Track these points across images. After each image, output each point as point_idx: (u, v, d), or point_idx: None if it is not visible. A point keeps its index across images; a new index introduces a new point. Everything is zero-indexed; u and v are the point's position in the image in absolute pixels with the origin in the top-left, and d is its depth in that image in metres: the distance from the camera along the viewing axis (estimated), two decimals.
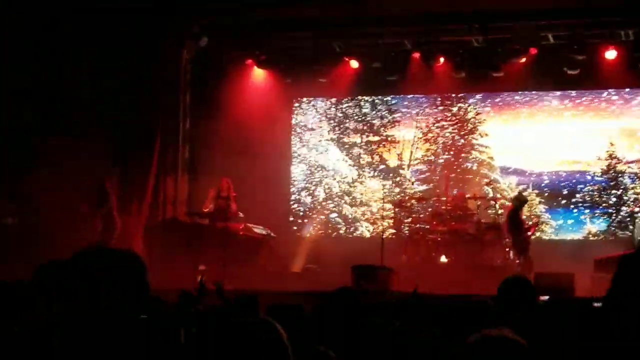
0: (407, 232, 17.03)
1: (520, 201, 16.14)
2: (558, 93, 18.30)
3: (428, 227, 16.60)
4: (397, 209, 17.28)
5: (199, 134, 17.77)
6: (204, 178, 16.92)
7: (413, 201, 17.42)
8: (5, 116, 15.64)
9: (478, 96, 18.89)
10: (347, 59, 17.78)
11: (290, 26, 17.31)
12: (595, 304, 7.14)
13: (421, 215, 17.41)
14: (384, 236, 16.47)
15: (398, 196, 18.32)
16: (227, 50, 18.24)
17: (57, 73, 15.92)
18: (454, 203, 16.64)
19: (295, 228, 19.37)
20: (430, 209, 17.39)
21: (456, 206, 16.51)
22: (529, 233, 15.83)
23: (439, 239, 16.25)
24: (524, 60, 16.98)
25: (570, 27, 16.51)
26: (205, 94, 17.93)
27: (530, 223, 16.45)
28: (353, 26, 17.15)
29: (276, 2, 16.26)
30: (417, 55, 17.43)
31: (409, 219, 17.23)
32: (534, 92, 18.39)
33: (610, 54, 16.48)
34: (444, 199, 17.19)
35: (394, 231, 17.84)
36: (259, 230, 16.28)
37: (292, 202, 19.48)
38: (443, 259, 15.88)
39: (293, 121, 19.76)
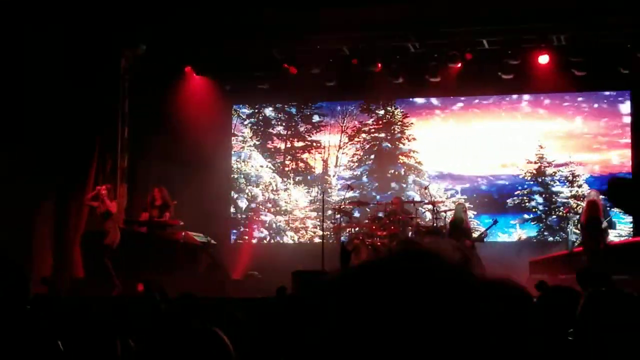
0: (346, 237, 17.11)
1: (458, 213, 16.25)
2: (492, 97, 18.56)
3: (367, 231, 16.73)
4: (336, 214, 17.38)
5: (138, 142, 17.69)
6: (143, 187, 16.87)
7: (351, 206, 17.55)
8: None
9: (408, 100, 19.06)
10: (286, 66, 17.85)
11: (229, 33, 17.32)
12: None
13: (366, 220, 17.55)
14: (323, 242, 16.56)
15: (322, 202, 18.31)
16: (166, 58, 18.17)
17: None
18: (392, 207, 16.78)
19: (235, 235, 19.41)
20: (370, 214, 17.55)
21: (395, 211, 16.65)
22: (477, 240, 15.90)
23: (379, 243, 16.37)
24: (459, 65, 17.22)
25: (504, 33, 16.78)
26: (144, 102, 17.84)
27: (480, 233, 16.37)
28: (291, 33, 17.21)
29: (214, 10, 16.26)
30: (355, 61, 17.60)
31: (348, 224, 17.34)
32: (469, 97, 18.63)
33: (543, 59, 16.77)
34: (383, 203, 17.34)
35: (319, 240, 17.97)
36: (199, 237, 16.28)
37: (232, 210, 19.51)
38: None
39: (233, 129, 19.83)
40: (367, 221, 17.17)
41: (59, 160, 16.60)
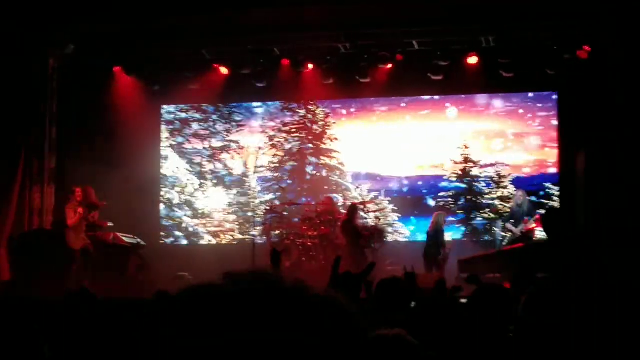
0: (277, 237, 17.10)
1: (351, 211, 16.35)
2: (420, 98, 18.62)
3: (298, 232, 16.72)
4: (266, 215, 17.38)
5: (67, 143, 17.47)
6: (72, 188, 16.66)
7: (285, 206, 17.56)
8: None
9: (332, 101, 18.95)
10: (216, 66, 17.78)
11: (159, 34, 17.19)
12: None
13: (295, 220, 17.54)
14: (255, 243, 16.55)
15: (243, 205, 18.20)
16: (95, 58, 17.96)
17: None
18: (323, 208, 16.81)
19: (164, 236, 19.19)
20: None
21: (326, 211, 16.68)
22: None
23: (309, 243, 16.39)
24: (390, 66, 17.31)
25: (434, 34, 16.91)
26: (72, 102, 17.62)
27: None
28: (221, 33, 17.14)
29: (142, 11, 16.12)
30: (286, 62, 17.58)
31: (278, 224, 17.32)
32: (399, 97, 18.67)
33: (472, 60, 16.95)
34: (314, 203, 17.36)
35: (236, 241, 17.96)
36: (128, 239, 16.14)
37: (162, 211, 19.31)
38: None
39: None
40: (297, 221, 17.16)
41: None
